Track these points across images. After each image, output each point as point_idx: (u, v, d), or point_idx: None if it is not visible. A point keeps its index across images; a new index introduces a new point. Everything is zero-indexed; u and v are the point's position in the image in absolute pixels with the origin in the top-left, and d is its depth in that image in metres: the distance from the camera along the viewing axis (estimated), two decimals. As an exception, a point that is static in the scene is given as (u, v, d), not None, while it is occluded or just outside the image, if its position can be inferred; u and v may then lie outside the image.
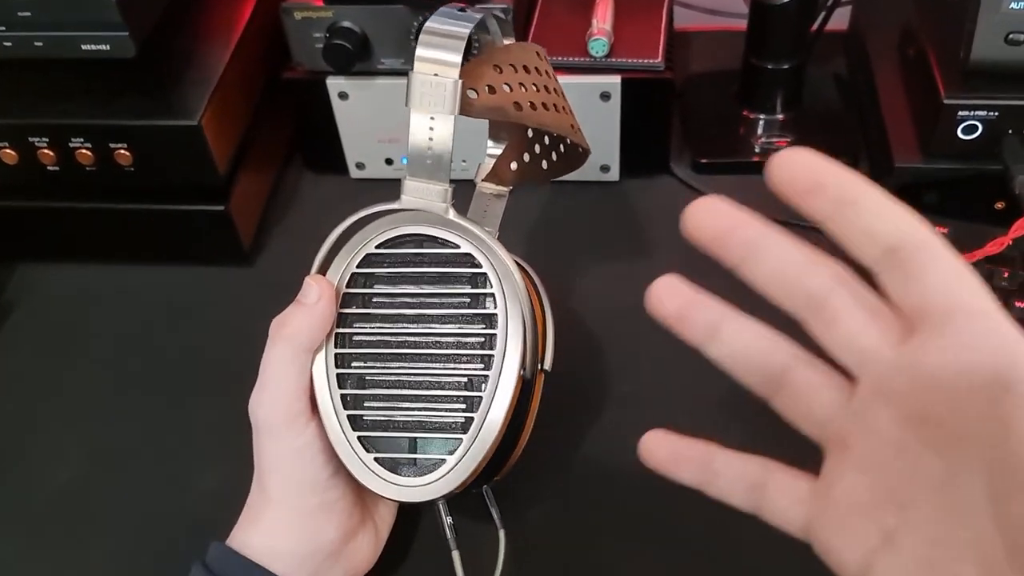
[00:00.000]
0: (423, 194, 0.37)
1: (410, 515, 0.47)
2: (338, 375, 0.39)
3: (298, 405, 0.39)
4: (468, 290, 0.39)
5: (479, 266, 0.39)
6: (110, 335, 0.59)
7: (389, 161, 0.65)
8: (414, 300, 0.39)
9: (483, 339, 0.38)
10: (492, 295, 0.38)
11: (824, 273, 0.28)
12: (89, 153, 0.55)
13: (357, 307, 0.40)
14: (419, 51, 0.36)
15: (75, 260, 0.63)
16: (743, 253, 0.28)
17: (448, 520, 0.41)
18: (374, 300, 0.40)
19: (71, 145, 0.55)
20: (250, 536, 0.40)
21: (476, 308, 0.39)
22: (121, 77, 0.56)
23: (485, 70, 0.37)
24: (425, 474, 0.38)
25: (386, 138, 0.64)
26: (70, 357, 0.58)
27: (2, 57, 0.53)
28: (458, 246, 0.39)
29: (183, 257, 0.61)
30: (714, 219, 0.28)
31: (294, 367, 0.39)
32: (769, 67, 0.65)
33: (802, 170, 0.27)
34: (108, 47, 0.52)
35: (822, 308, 0.28)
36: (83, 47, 0.53)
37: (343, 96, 0.62)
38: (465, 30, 0.36)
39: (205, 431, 0.53)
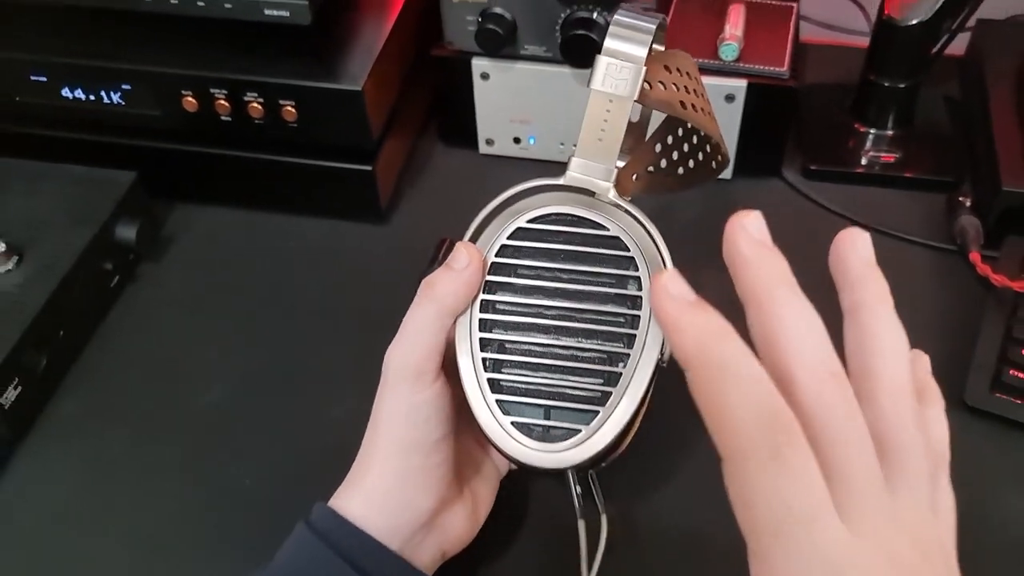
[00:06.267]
0: (589, 172, 0.40)
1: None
2: (480, 339, 0.40)
3: (429, 364, 0.40)
4: (613, 271, 0.40)
5: (626, 250, 0.40)
6: (257, 273, 0.65)
7: (517, 140, 0.70)
8: (559, 276, 0.40)
9: (624, 319, 0.39)
10: (637, 279, 0.39)
11: None
12: (260, 107, 0.61)
13: (504, 276, 0.40)
14: (609, 40, 0.39)
15: (229, 203, 0.69)
16: None
17: (577, 489, 0.42)
18: (520, 272, 0.40)
19: (245, 99, 0.61)
20: (351, 499, 0.42)
21: (620, 289, 0.39)
22: (294, 42, 0.62)
23: (658, 67, 0.40)
24: (557, 442, 0.39)
25: (518, 118, 0.69)
26: (219, 290, 0.64)
27: (195, 15, 0.59)
28: (607, 228, 0.40)
29: (327, 210, 0.67)
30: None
31: (435, 327, 0.40)
32: (886, 84, 0.68)
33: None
34: (288, 13, 0.58)
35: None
36: (266, 12, 0.59)
37: (485, 76, 0.67)
38: (652, 25, 0.39)
39: (332, 368, 0.58)
